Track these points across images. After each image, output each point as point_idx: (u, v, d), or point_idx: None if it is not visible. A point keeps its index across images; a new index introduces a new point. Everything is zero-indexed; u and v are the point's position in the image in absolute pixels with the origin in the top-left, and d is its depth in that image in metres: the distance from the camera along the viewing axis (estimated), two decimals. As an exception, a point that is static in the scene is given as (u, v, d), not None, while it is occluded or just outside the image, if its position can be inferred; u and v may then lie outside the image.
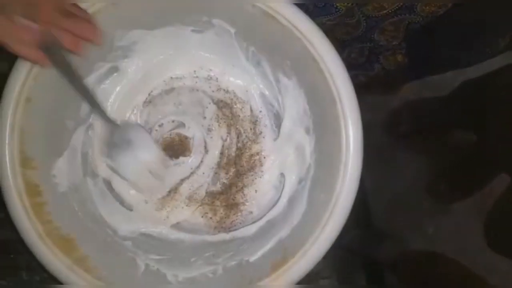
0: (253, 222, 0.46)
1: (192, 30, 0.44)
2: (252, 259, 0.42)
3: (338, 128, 0.38)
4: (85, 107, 0.44)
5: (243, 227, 0.46)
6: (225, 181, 0.47)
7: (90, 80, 0.43)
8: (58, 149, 0.42)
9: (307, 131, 0.44)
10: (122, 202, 0.46)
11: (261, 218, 0.46)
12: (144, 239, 0.45)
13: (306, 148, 0.45)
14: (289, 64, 0.42)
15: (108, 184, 0.46)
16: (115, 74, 0.46)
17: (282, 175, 0.47)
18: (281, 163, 0.47)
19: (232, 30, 0.43)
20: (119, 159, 0.43)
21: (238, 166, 0.47)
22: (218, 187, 0.47)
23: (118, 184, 0.46)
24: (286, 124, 0.46)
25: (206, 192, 0.47)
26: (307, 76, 0.41)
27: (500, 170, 0.46)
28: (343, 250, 0.39)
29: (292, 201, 0.45)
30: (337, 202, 0.38)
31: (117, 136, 0.43)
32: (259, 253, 0.42)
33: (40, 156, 0.39)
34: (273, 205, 0.46)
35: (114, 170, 0.44)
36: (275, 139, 0.47)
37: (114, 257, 0.40)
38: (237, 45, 0.45)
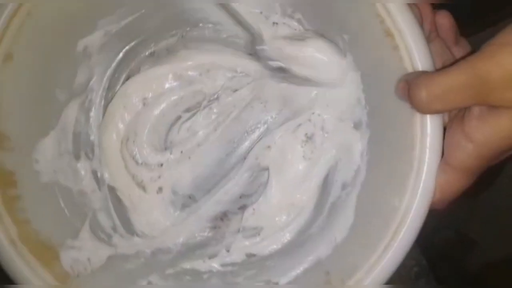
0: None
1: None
2: (282, 281, 0.33)
3: (411, 122, 0.29)
4: (82, 74, 0.35)
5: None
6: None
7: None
8: (43, 127, 0.32)
9: (358, 125, 0.35)
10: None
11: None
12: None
13: (355, 146, 0.36)
14: (346, 38, 0.33)
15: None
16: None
17: (320, 178, 0.38)
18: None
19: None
20: None
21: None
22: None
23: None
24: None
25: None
26: (370, 54, 0.32)
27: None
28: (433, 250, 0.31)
29: (333, 211, 0.36)
30: (406, 216, 0.29)
31: None
32: (290, 275, 0.33)
33: (18, 134, 0.30)
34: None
35: None
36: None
37: (108, 272, 0.31)
38: (280, 11, 0.36)
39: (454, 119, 0.28)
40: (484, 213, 0.48)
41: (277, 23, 0.36)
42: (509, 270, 0.45)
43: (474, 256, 0.48)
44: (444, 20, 0.32)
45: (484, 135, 0.25)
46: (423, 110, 0.27)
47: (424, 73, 0.27)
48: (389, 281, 0.30)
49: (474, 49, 0.25)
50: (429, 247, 0.33)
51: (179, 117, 0.38)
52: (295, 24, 0.36)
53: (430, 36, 0.32)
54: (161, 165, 0.38)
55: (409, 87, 0.27)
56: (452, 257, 0.46)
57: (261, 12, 0.36)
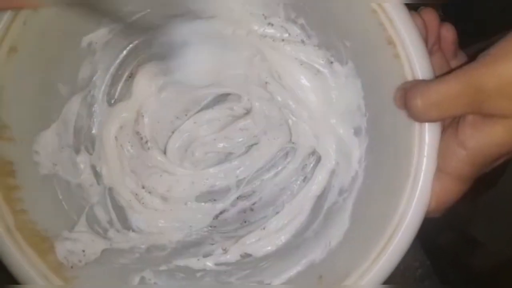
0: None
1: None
2: (275, 282, 0.33)
3: (409, 131, 0.30)
4: (85, 69, 0.35)
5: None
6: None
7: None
8: (44, 119, 0.33)
9: (357, 132, 0.36)
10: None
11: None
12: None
13: (354, 152, 0.36)
14: (348, 45, 0.34)
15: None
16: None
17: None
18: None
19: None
20: None
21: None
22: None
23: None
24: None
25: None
26: (371, 61, 0.32)
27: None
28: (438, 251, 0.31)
29: (328, 215, 0.36)
30: (400, 224, 0.29)
31: None
32: (284, 277, 0.33)
33: (19, 125, 0.30)
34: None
35: None
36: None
37: (103, 266, 0.31)
38: (283, 15, 0.36)
39: (448, 128, 0.28)
40: (489, 214, 0.48)
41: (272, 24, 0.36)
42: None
43: (480, 257, 0.48)
44: (448, 33, 0.32)
45: (478, 142, 0.25)
46: (419, 118, 0.27)
47: (420, 81, 0.28)
48: (393, 283, 0.30)
49: (470, 60, 0.25)
50: (433, 249, 0.33)
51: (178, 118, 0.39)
52: (297, 30, 0.36)
53: (433, 48, 0.32)
54: (160, 166, 0.38)
55: (405, 95, 0.27)
56: (457, 259, 0.46)
57: (263, 15, 0.36)
